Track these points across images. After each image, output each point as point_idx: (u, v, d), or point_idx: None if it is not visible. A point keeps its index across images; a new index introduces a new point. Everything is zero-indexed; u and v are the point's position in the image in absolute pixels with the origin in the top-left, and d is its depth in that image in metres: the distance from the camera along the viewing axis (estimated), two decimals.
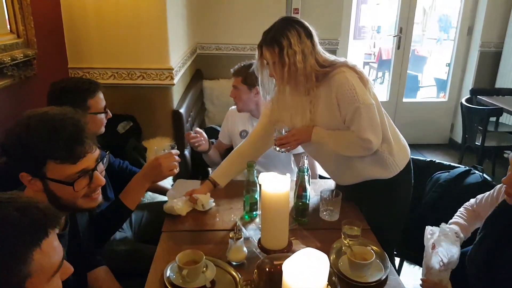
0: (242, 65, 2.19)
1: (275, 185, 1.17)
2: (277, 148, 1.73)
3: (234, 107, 2.37)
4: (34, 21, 1.99)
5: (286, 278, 0.76)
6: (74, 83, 1.72)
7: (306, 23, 1.61)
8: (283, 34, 1.53)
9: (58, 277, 0.78)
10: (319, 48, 1.61)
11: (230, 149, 2.22)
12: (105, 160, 1.18)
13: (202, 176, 2.66)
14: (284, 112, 1.75)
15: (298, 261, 0.75)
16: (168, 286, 1.26)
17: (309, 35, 1.57)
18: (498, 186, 1.52)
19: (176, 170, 1.61)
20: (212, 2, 3.74)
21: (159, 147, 1.66)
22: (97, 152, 1.13)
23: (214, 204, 1.76)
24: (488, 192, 1.57)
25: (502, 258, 1.29)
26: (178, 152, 1.63)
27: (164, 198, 2.15)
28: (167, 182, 2.34)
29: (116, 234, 1.76)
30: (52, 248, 0.74)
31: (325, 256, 0.76)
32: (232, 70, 2.23)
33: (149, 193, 2.20)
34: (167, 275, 1.31)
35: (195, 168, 2.75)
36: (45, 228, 0.74)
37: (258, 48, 1.62)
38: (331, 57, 1.64)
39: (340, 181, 1.85)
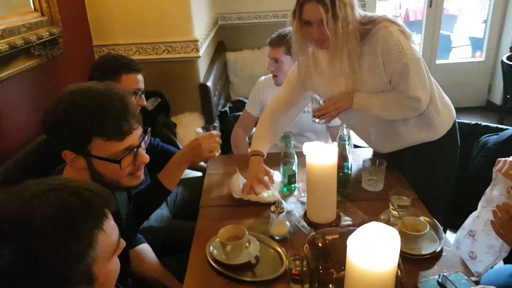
0: (281, 33, 2.03)
1: (321, 155, 1.10)
2: (316, 120, 1.62)
3: (264, 77, 2.26)
4: None
5: (351, 255, 0.69)
6: (114, 57, 1.69)
7: None
8: None
9: (116, 255, 0.76)
10: (358, 5, 1.48)
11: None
12: (146, 138, 1.14)
13: (232, 152, 2.60)
14: (320, 79, 1.63)
15: (365, 237, 0.68)
16: (212, 262, 1.23)
17: None
18: None
19: (217, 152, 1.56)
20: None
21: (200, 128, 1.62)
22: (140, 129, 1.10)
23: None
24: None
25: None
26: (219, 133, 1.57)
27: (198, 173, 2.12)
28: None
29: None
30: (111, 228, 0.73)
31: (395, 231, 0.68)
32: (268, 40, 2.08)
33: None
34: (210, 251, 1.27)
35: (225, 142, 2.69)
36: (103, 209, 0.72)
37: (297, 7, 1.44)
38: (368, 12, 1.51)
39: (381, 149, 1.74)
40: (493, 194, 1.19)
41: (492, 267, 1.24)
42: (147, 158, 1.12)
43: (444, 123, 1.61)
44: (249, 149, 1.74)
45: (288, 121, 1.79)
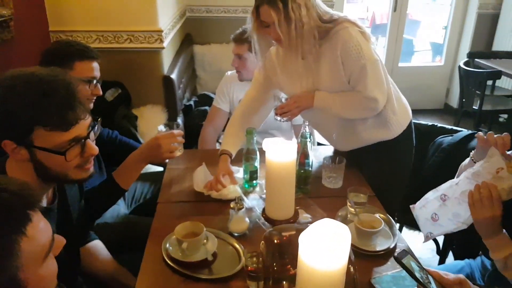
0: (245, 30, 2.00)
1: (281, 152, 1.09)
2: (278, 118, 1.63)
3: (230, 72, 2.24)
4: None
5: (302, 252, 0.69)
6: (67, 43, 1.58)
7: None
8: None
9: (51, 257, 0.70)
10: (320, 1, 1.49)
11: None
12: (96, 128, 1.08)
13: (195, 147, 2.57)
14: (283, 77, 1.64)
15: (316, 234, 0.68)
16: (167, 260, 1.20)
17: None
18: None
19: (179, 152, 1.51)
20: None
21: (162, 126, 1.55)
22: (89, 118, 1.03)
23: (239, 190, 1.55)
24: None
25: None
26: (181, 132, 1.51)
27: (158, 168, 2.06)
28: None
29: None
30: (38, 231, 0.66)
31: (346, 227, 0.69)
32: (232, 36, 2.07)
33: None
34: (166, 248, 1.24)
35: (188, 137, 2.65)
36: (25, 212, 0.65)
37: (254, 9, 1.46)
38: (330, 10, 1.52)
39: (341, 147, 1.78)
40: (482, 169, 1.22)
41: (446, 233, 1.28)
42: (95, 149, 1.05)
43: (400, 122, 1.66)
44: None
45: (259, 119, 1.78)
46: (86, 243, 1.41)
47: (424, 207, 1.32)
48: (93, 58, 1.56)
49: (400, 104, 1.67)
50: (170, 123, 1.58)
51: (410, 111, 1.74)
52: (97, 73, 1.57)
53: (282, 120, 1.63)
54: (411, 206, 1.37)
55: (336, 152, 1.84)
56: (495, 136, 1.24)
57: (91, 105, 1.59)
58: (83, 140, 1.01)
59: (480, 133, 1.28)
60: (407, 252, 0.98)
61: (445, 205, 1.25)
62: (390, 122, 1.63)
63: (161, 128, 1.56)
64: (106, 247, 1.46)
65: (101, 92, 1.60)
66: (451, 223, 1.23)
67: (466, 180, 1.23)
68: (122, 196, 1.45)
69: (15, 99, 0.92)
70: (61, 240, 0.74)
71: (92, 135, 1.06)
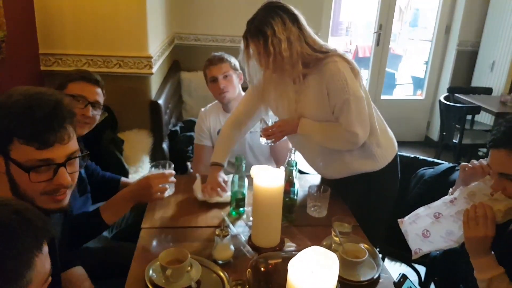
0: (217, 54, 2.11)
1: (268, 179, 1.10)
2: (263, 140, 1.69)
3: (203, 109, 2.25)
4: (2, 0, 1.83)
5: (292, 278, 0.69)
6: (73, 70, 1.65)
7: (291, 7, 1.54)
8: (266, 23, 1.47)
9: (45, 286, 0.72)
10: (309, 31, 1.55)
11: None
12: (82, 160, 1.06)
13: (180, 172, 2.56)
14: (270, 102, 1.71)
15: (305, 260, 0.68)
16: (150, 287, 1.18)
17: (295, 20, 1.50)
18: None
19: (169, 192, 1.51)
20: None
21: (155, 164, 1.56)
22: (71, 147, 0.99)
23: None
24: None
25: None
26: (172, 172, 1.51)
27: None
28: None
29: None
30: (47, 254, 0.70)
31: (334, 255, 0.70)
32: (209, 62, 2.10)
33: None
34: (149, 275, 1.22)
35: (173, 162, 2.63)
36: (43, 232, 0.70)
37: (243, 38, 1.55)
38: (323, 43, 1.58)
39: (326, 174, 1.81)
40: (477, 190, 1.24)
41: (436, 250, 1.29)
42: (67, 181, 0.99)
43: (385, 155, 1.70)
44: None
45: (247, 130, 1.88)
46: (67, 269, 1.37)
47: (415, 222, 1.33)
48: (88, 80, 1.58)
49: (385, 137, 1.72)
50: (163, 162, 1.57)
51: (396, 145, 1.78)
52: (89, 95, 1.58)
53: (267, 142, 1.70)
54: (399, 220, 1.38)
55: (322, 180, 1.86)
56: (480, 162, 1.28)
57: (84, 130, 1.58)
58: (56, 166, 0.97)
59: (464, 163, 1.32)
60: (406, 276, 0.98)
61: (439, 222, 1.27)
62: (375, 155, 1.67)
63: (152, 168, 1.55)
64: (86, 272, 1.42)
65: (89, 114, 1.58)
66: (442, 240, 1.24)
67: (462, 199, 1.25)
68: (103, 231, 1.43)
69: (2, 108, 0.93)
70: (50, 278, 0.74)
71: (74, 165, 1.03)
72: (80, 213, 1.39)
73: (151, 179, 1.42)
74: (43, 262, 0.68)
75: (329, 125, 1.59)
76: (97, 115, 1.63)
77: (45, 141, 0.93)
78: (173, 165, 1.57)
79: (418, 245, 1.29)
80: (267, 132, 1.66)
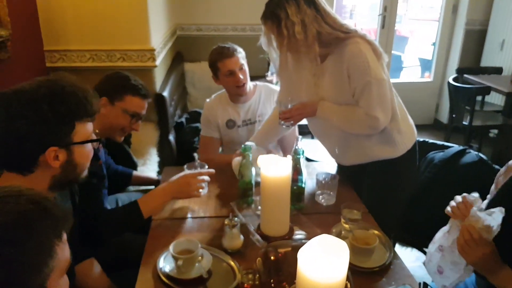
0: (230, 46, 2.04)
1: (275, 168, 1.10)
2: (282, 122, 1.68)
3: (208, 100, 2.18)
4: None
5: (302, 267, 0.69)
6: (125, 76, 1.65)
7: None
8: (280, 6, 1.46)
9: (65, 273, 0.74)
10: (329, 10, 1.51)
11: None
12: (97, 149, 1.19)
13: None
14: (290, 85, 1.70)
15: (315, 249, 0.68)
16: (163, 278, 1.19)
17: (310, 2, 1.47)
18: (500, 172, 1.39)
19: (204, 192, 1.54)
20: None
21: (190, 164, 1.62)
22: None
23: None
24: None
25: None
26: (210, 171, 1.54)
27: (151, 187, 2.05)
28: (152, 171, 2.25)
29: None
30: (66, 242, 0.72)
31: (344, 243, 0.69)
32: (221, 55, 2.00)
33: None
34: (160, 266, 1.23)
35: (180, 153, 2.65)
36: (63, 221, 0.71)
37: (261, 21, 1.55)
38: (341, 20, 1.54)
39: (343, 161, 1.79)
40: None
41: (457, 284, 1.27)
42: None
43: (405, 142, 1.66)
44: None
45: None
46: (81, 261, 1.39)
47: (430, 261, 1.31)
48: (144, 96, 1.64)
49: (406, 124, 1.69)
50: (197, 163, 1.63)
51: (415, 132, 1.74)
52: (143, 111, 1.67)
53: (285, 125, 1.68)
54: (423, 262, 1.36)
55: (339, 167, 1.85)
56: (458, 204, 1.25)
57: (122, 138, 1.69)
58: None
59: (447, 208, 1.28)
60: (427, 284, 0.97)
61: (443, 256, 1.25)
62: (395, 141, 1.63)
63: (187, 169, 1.60)
64: (100, 264, 1.44)
65: (139, 129, 1.69)
66: (453, 272, 1.22)
67: (455, 228, 1.24)
68: (139, 225, 1.45)
69: (57, 102, 0.97)
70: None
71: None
72: (118, 207, 1.41)
73: (189, 178, 1.45)
74: (64, 250, 0.70)
75: (349, 108, 1.56)
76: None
77: (96, 110, 1.07)
78: (206, 166, 1.61)
79: (440, 282, 1.27)
80: (285, 115, 1.64)
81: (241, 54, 2.03)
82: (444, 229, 1.31)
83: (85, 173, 1.11)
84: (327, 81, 1.56)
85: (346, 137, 1.67)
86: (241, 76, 2.00)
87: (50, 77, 1.05)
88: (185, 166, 1.62)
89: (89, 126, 1.06)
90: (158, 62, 2.50)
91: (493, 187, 1.37)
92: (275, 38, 1.51)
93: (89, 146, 1.07)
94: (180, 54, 3.68)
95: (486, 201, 1.41)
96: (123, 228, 1.44)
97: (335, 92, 1.56)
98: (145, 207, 1.40)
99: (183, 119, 2.96)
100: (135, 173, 1.97)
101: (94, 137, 1.08)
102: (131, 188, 2.05)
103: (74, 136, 1.02)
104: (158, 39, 2.65)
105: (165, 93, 2.57)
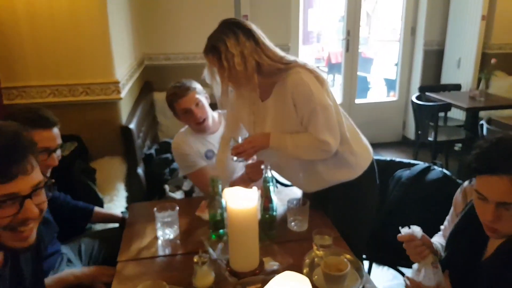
0: (179, 84, 2.01)
1: (241, 200, 1.08)
2: (234, 158, 1.65)
3: (176, 138, 2.10)
4: None
5: None
6: (25, 110, 1.47)
7: (247, 23, 1.55)
8: (220, 39, 1.49)
9: None
10: (268, 44, 1.55)
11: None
12: (49, 191, 0.99)
13: (158, 196, 2.50)
14: (234, 119, 1.74)
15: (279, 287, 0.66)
16: None
17: (249, 35, 1.51)
18: (457, 196, 1.41)
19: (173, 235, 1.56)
20: (157, 11, 3.59)
21: (160, 206, 1.58)
22: (35, 177, 0.94)
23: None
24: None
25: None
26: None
27: (115, 225, 1.97)
28: (120, 207, 2.18)
29: (63, 267, 1.57)
30: None
31: (306, 279, 0.67)
32: (175, 95, 1.97)
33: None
34: None
35: (150, 186, 2.58)
36: None
37: (204, 55, 1.56)
38: (283, 54, 1.58)
39: (305, 188, 1.79)
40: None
41: None
42: (34, 213, 0.93)
43: (360, 163, 1.69)
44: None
45: None
46: None
47: None
48: (46, 127, 1.46)
49: (359, 145, 1.71)
50: (168, 204, 1.60)
51: (371, 152, 1.77)
52: (50, 143, 1.47)
53: (238, 160, 1.66)
54: None
55: (303, 195, 1.84)
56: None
57: (48, 171, 1.50)
58: (21, 199, 0.91)
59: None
60: None
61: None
62: (349, 163, 1.66)
63: (157, 213, 1.57)
64: None
65: (56, 163, 1.49)
66: None
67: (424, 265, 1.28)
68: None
69: None
70: None
71: (41, 196, 0.97)
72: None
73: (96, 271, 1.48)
74: None
75: (300, 135, 1.58)
76: (59, 154, 1.54)
77: (8, 174, 0.88)
78: (177, 207, 1.57)
79: None
80: (238, 150, 1.62)
81: (195, 90, 2.00)
82: (414, 267, 1.33)
83: (7, 242, 0.93)
84: (276, 111, 1.60)
85: (303, 165, 1.68)
86: (198, 114, 1.98)
87: (8, 122, 0.95)
88: (155, 209, 1.56)
89: None
90: (123, 94, 2.46)
91: (452, 209, 1.40)
92: (217, 71, 1.53)
93: None
94: (149, 84, 3.64)
95: (446, 223, 1.44)
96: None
97: (282, 121, 1.60)
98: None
99: (152, 151, 2.89)
100: (97, 208, 1.88)
101: None
102: (97, 226, 1.97)
103: None
104: (123, 71, 2.62)
105: (132, 125, 2.52)
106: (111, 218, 1.92)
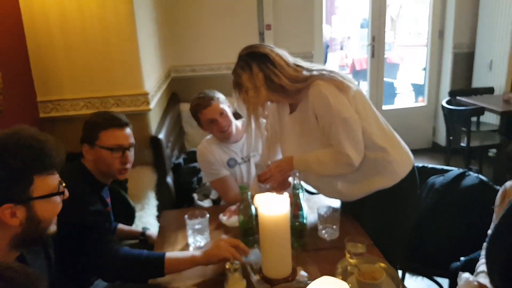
0: (202, 95, 2.05)
1: (272, 206, 1.07)
2: (261, 185, 1.65)
3: (200, 146, 2.16)
4: None
5: None
6: (96, 114, 1.62)
7: (263, 48, 1.58)
8: (238, 75, 1.57)
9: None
10: (286, 64, 1.57)
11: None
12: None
13: (187, 204, 2.53)
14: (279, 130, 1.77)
15: None
16: None
17: (263, 62, 1.54)
18: (497, 199, 1.37)
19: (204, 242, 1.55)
20: (183, 24, 3.67)
21: (190, 213, 1.59)
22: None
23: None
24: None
25: None
26: (246, 249, 1.38)
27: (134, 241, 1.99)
28: (151, 215, 2.21)
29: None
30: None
31: (345, 284, 0.66)
32: (200, 106, 2.02)
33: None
34: None
35: (179, 195, 2.62)
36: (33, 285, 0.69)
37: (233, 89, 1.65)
38: (304, 69, 1.58)
39: (343, 198, 1.78)
40: None
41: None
42: (67, 192, 1.07)
43: (397, 171, 1.64)
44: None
45: None
46: None
47: None
48: (118, 126, 1.58)
49: (398, 152, 1.67)
50: (198, 212, 1.61)
51: (412, 158, 1.73)
52: (123, 141, 1.58)
53: (265, 187, 1.65)
54: None
55: (341, 204, 1.83)
56: None
57: (126, 175, 1.63)
58: (59, 184, 1.04)
59: None
60: None
61: None
62: (385, 169, 1.62)
63: (187, 218, 1.59)
64: None
65: (129, 159, 1.61)
66: None
67: None
68: (155, 277, 1.38)
69: (9, 156, 0.94)
70: None
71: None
72: (143, 253, 1.35)
73: (221, 241, 1.37)
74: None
75: (321, 152, 1.60)
76: (133, 154, 1.66)
77: (57, 164, 1.03)
78: (208, 215, 1.58)
79: None
80: (265, 176, 1.64)
81: (218, 99, 2.03)
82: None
83: (52, 228, 1.06)
84: (302, 127, 1.63)
85: (339, 176, 1.67)
86: (223, 123, 2.01)
87: (8, 130, 1.01)
88: (186, 216, 1.58)
89: (52, 179, 1.01)
90: (152, 105, 2.52)
91: (494, 216, 1.34)
92: (243, 102, 1.60)
93: (54, 200, 1.02)
94: (176, 95, 3.71)
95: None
96: (139, 276, 1.37)
97: (308, 135, 1.63)
98: (170, 266, 1.33)
99: (180, 160, 2.94)
100: (120, 226, 1.93)
101: (61, 189, 1.04)
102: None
103: (34, 191, 0.97)
104: (152, 83, 2.68)
105: (161, 135, 2.57)
106: (131, 234, 1.97)
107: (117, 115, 1.61)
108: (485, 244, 1.38)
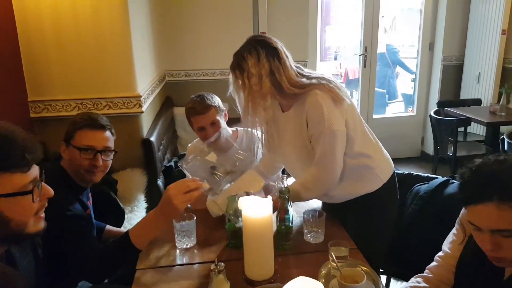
0: (200, 98, 2.03)
1: (256, 209, 1.10)
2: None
3: (190, 145, 2.18)
4: None
5: None
6: (80, 115, 1.59)
7: (274, 41, 1.59)
8: (244, 58, 1.54)
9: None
10: (290, 65, 1.58)
11: None
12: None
13: None
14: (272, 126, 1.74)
15: None
16: None
17: (274, 54, 1.55)
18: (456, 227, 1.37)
19: (191, 243, 1.53)
20: (178, 29, 3.71)
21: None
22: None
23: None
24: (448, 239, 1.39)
25: None
26: (195, 179, 1.38)
27: None
28: (140, 217, 2.22)
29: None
30: None
31: (320, 284, 0.68)
32: (193, 111, 2.01)
33: None
34: None
35: None
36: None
37: (230, 70, 1.61)
38: (303, 76, 1.60)
39: (326, 199, 1.81)
40: None
41: None
42: (51, 190, 1.04)
43: (380, 176, 1.69)
44: None
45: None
46: None
47: None
48: (95, 127, 1.55)
49: (380, 159, 1.72)
50: (185, 214, 1.54)
51: (392, 166, 1.78)
52: (98, 143, 1.54)
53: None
54: None
55: (322, 206, 1.85)
56: None
57: (98, 178, 1.58)
58: (39, 182, 1.00)
59: None
60: None
61: None
62: (368, 176, 1.67)
63: (175, 221, 1.56)
64: None
65: (100, 163, 1.55)
66: None
67: None
68: (136, 257, 1.40)
69: None
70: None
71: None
72: (109, 242, 1.37)
73: (170, 190, 1.32)
74: None
75: (303, 180, 1.64)
76: (108, 160, 1.61)
77: (29, 163, 0.98)
78: (195, 217, 1.57)
79: None
80: None
81: (215, 108, 2.02)
82: None
83: (31, 228, 1.00)
84: (291, 128, 1.65)
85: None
86: (209, 133, 2.01)
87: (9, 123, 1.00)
88: (173, 219, 1.59)
89: (19, 177, 0.95)
90: (144, 108, 2.54)
91: (452, 237, 1.38)
92: (241, 87, 1.57)
93: (24, 199, 0.97)
94: (170, 99, 3.74)
95: (447, 250, 1.40)
96: (118, 264, 1.39)
97: (297, 137, 1.64)
98: (137, 239, 1.35)
99: (172, 163, 2.96)
100: (108, 227, 1.93)
101: (29, 188, 0.97)
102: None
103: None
104: (145, 86, 2.70)
105: (153, 138, 2.59)
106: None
107: (97, 117, 1.58)
108: None
